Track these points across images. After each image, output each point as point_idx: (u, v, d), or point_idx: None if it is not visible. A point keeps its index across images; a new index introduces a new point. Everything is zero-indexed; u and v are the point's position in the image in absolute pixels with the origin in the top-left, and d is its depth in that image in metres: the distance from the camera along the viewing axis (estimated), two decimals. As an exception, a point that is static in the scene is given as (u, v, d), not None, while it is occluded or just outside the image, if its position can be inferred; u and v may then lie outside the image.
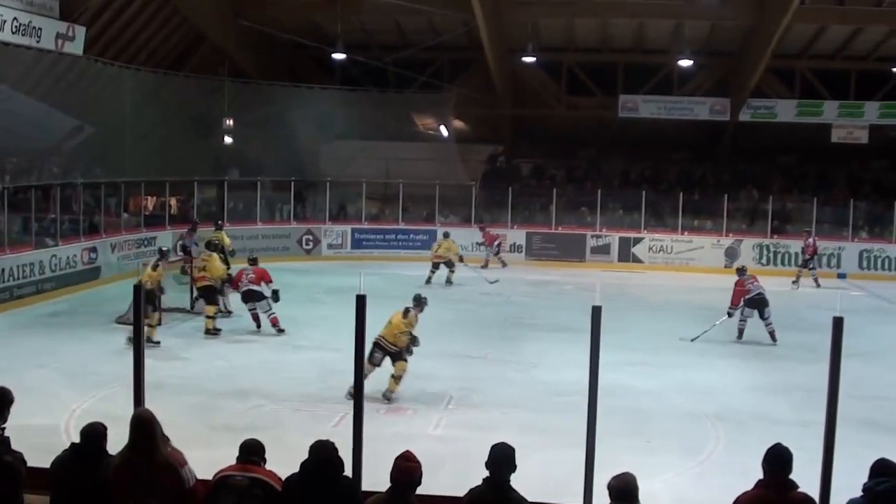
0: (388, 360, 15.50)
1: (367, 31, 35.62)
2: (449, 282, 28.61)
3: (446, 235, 30.30)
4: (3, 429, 6.92)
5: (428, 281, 27.72)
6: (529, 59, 34.93)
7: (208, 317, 20.56)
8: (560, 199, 35.61)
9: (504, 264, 32.69)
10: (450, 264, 29.05)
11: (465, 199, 35.73)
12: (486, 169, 40.68)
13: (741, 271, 21.98)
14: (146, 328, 18.07)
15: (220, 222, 27.80)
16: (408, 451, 6.40)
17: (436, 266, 28.90)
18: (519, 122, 40.43)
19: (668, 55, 35.07)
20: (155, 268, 20.00)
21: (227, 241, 26.28)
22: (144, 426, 6.57)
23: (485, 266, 32.11)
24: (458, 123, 39.40)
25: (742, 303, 21.03)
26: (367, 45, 35.30)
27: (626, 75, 38.15)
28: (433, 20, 34.44)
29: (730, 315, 21.10)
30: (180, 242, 27.80)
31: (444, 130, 38.41)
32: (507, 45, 35.85)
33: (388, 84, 37.35)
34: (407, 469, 6.28)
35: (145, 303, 18.82)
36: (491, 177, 39.83)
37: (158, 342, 18.87)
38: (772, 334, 20.69)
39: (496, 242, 33.29)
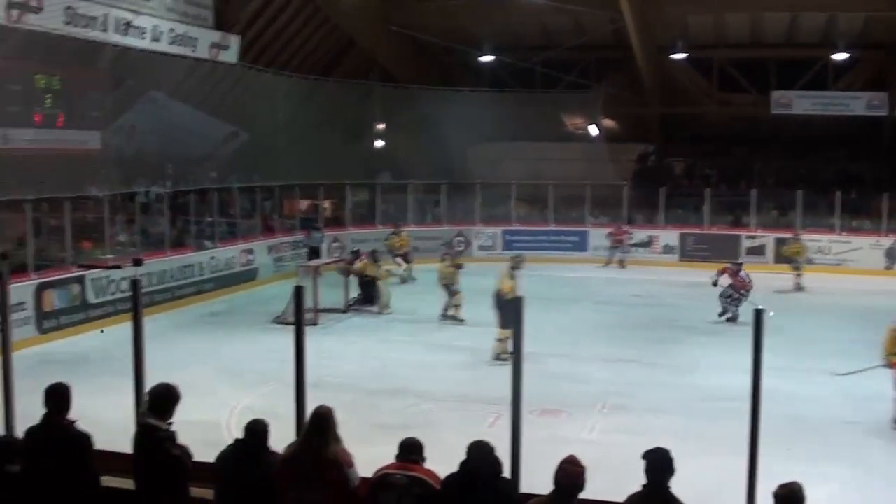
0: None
1: (514, 33, 35.59)
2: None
3: None
4: (171, 424, 7.16)
5: None
6: (679, 57, 34.52)
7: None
8: (713, 198, 35.03)
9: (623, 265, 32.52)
10: None
11: (616, 200, 35.40)
12: (637, 168, 40.30)
13: None
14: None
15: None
16: (572, 456, 6.39)
17: None
18: (669, 121, 39.92)
19: (822, 49, 34.28)
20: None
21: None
22: (321, 422, 6.73)
23: (620, 265, 32.14)
24: (607, 122, 39.09)
25: None
26: (514, 47, 35.28)
27: (778, 71, 37.42)
28: (580, 19, 34.29)
29: None
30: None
31: (593, 130, 38.14)
32: (655, 42, 35.45)
33: (535, 85, 37.29)
34: (573, 473, 6.26)
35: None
36: (642, 176, 39.42)
37: None
38: None
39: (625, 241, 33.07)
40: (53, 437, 7.24)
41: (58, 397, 7.33)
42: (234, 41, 28.07)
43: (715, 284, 22.85)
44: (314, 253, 28.09)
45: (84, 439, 7.28)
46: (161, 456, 7.03)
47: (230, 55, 28.05)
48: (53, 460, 7.18)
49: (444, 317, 22.28)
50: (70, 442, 7.23)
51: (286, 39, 32.12)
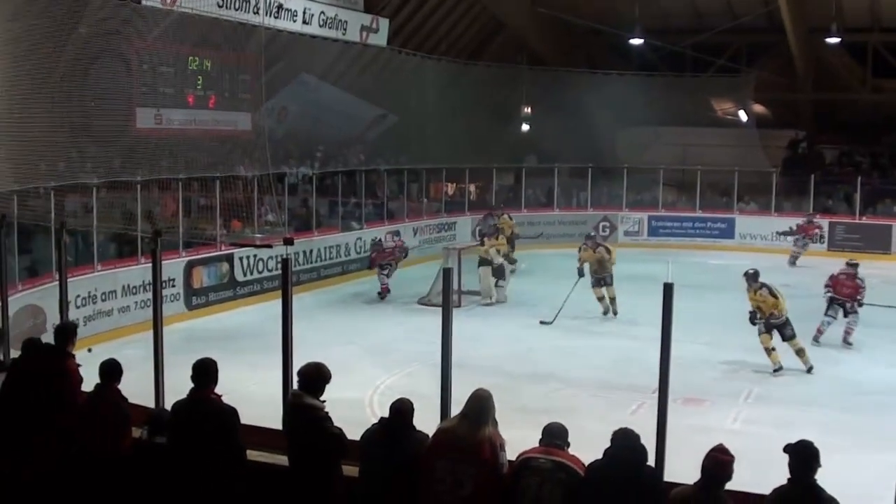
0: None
1: (665, 15, 35.11)
2: None
3: None
4: (324, 402, 7.26)
5: None
6: (833, 41, 33.62)
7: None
8: (864, 187, 34.07)
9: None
10: None
11: (765, 187, 34.69)
12: (787, 155, 39.44)
13: None
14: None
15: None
16: (722, 445, 6.30)
17: None
18: (821, 107, 38.87)
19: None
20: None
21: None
22: (480, 402, 6.76)
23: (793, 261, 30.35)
24: (757, 108, 38.28)
25: None
26: (663, 30, 34.81)
27: (936, 55, 36.17)
28: (731, 2, 33.72)
29: None
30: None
31: (742, 115, 37.44)
32: (809, 25, 34.61)
33: (685, 68, 36.75)
34: (722, 462, 6.18)
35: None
36: (792, 163, 38.55)
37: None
38: None
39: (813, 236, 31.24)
40: (199, 411, 7.43)
41: (204, 372, 7.51)
42: (384, 24, 28.31)
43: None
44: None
45: (230, 414, 7.44)
46: (319, 435, 7.15)
47: (379, 38, 28.31)
48: (199, 433, 7.37)
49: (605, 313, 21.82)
50: (216, 416, 7.40)
51: (435, 23, 32.26)
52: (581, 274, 21.55)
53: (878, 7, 34.09)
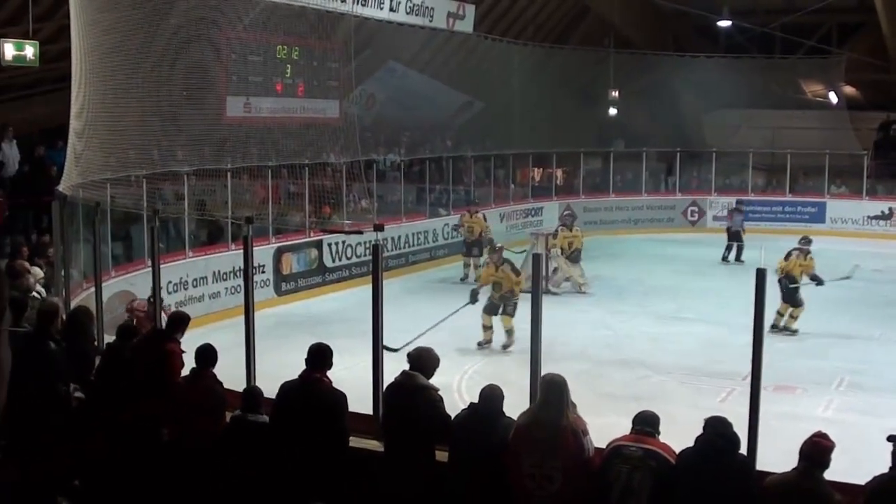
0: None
1: (753, -4, 34.78)
2: None
3: None
4: (438, 389, 7.40)
5: None
6: (925, 20, 33.00)
7: None
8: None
9: None
10: None
11: (856, 170, 34.11)
12: (878, 137, 38.76)
13: None
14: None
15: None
16: (821, 431, 6.29)
17: None
18: (914, 88, 38.23)
19: None
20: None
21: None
22: (556, 388, 6.80)
23: None
24: (848, 90, 37.64)
25: None
26: (751, 11, 34.41)
27: None
28: (822, -20, 33.21)
29: None
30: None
31: (833, 97, 36.82)
32: (902, 5, 34.02)
33: (773, 50, 36.24)
34: (824, 447, 6.16)
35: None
36: (884, 146, 37.89)
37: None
38: None
39: None
40: (311, 393, 7.60)
41: (320, 355, 7.70)
42: (470, 10, 28.30)
43: None
44: (735, 237, 27.03)
45: (339, 397, 7.61)
46: (431, 416, 7.29)
47: (466, 25, 28.31)
48: (309, 415, 7.53)
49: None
50: (327, 399, 7.57)
51: (521, 8, 32.17)
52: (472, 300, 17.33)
53: (973, -17, 33.38)
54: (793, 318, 18.29)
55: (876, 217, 32.23)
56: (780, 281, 17.89)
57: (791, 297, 18.26)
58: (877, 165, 35.18)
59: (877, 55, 35.93)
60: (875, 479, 6.13)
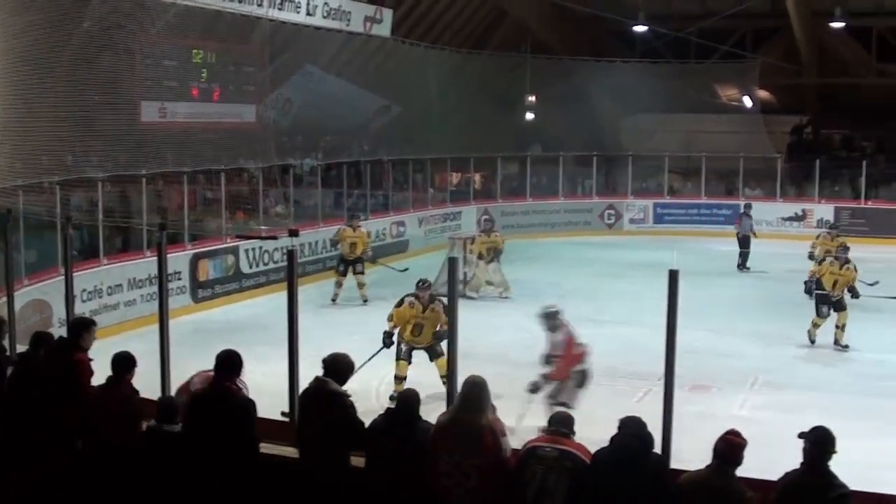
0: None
1: (668, 1, 35.13)
2: None
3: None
4: (349, 395, 7.37)
5: None
6: (837, 25, 33.58)
7: None
8: (870, 171, 34.04)
9: None
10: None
11: (770, 172, 34.67)
12: (792, 140, 39.42)
13: None
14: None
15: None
16: (734, 429, 6.37)
17: None
18: (826, 92, 38.89)
19: None
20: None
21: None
22: (475, 389, 6.81)
23: None
24: (762, 94, 38.25)
25: None
26: (667, 16, 34.80)
27: (941, 39, 36.12)
28: (736, -13, 33.70)
29: None
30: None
31: (747, 101, 37.40)
32: (813, 10, 34.62)
33: (689, 55, 36.65)
34: (736, 445, 6.23)
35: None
36: (797, 148, 38.56)
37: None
38: None
39: None
40: (220, 401, 7.50)
41: (228, 363, 7.62)
42: (388, 15, 28.30)
43: None
44: (745, 243, 26.77)
45: (248, 405, 7.52)
46: (342, 422, 7.22)
47: (383, 28, 28.30)
48: (218, 423, 7.43)
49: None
50: (234, 407, 7.47)
51: (438, 12, 32.22)
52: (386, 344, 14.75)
53: (883, -10, 34.13)
54: (839, 328, 17.28)
55: (790, 218, 32.78)
56: (806, 282, 18.20)
57: (828, 304, 17.50)
58: (790, 168, 35.85)
59: (790, 60, 36.58)
60: (787, 475, 6.21)
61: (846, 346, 17.06)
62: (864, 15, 35.03)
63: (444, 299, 16.32)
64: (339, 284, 21.68)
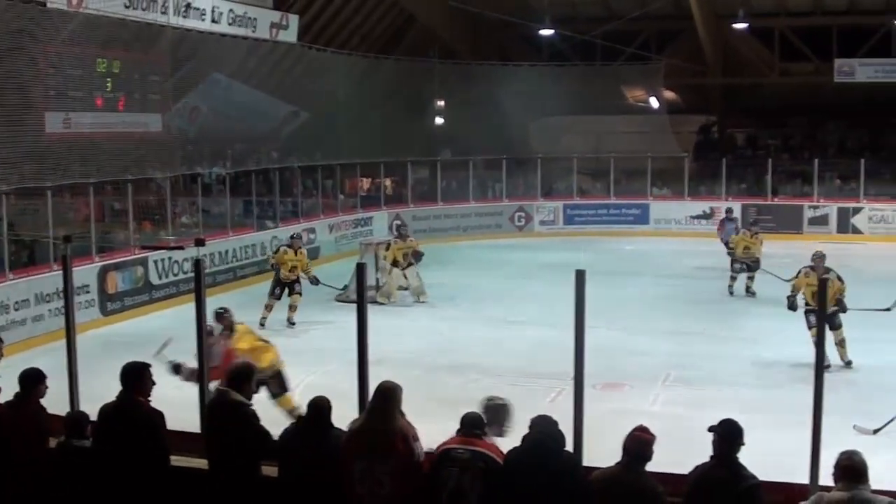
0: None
1: (574, 5, 35.46)
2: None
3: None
4: (251, 405, 7.29)
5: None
6: (740, 26, 34.14)
7: None
8: (775, 169, 34.67)
9: None
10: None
11: (678, 171, 35.15)
12: (698, 140, 40.02)
13: None
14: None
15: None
16: (642, 425, 6.45)
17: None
18: (730, 91, 39.62)
19: (885, 16, 33.70)
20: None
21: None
22: (386, 394, 6.80)
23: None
24: (668, 94, 38.77)
25: None
26: (573, 19, 35.08)
27: (841, 39, 36.85)
28: (640, -11, 34.13)
29: None
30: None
31: (654, 102, 37.84)
32: (716, 12, 35.21)
33: (596, 57, 36.98)
34: (643, 441, 6.32)
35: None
36: (703, 148, 39.19)
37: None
38: None
39: None
40: (126, 414, 7.39)
41: (134, 376, 7.48)
42: (294, 21, 28.16)
43: None
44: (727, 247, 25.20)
45: (156, 417, 7.43)
46: (245, 432, 7.16)
47: (290, 35, 28.16)
48: (126, 436, 7.32)
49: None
50: (142, 419, 7.37)
51: (345, 18, 32.17)
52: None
53: (785, -9, 34.82)
54: (839, 345, 15.79)
55: (698, 217, 33.28)
56: (788, 297, 16.59)
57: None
58: (697, 167, 36.47)
59: (695, 60, 37.12)
60: (697, 468, 6.33)
61: (849, 362, 15.79)
62: (767, 15, 35.73)
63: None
64: (269, 308, 19.85)
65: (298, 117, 30.95)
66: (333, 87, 30.39)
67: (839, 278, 15.70)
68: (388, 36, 35.46)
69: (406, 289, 22.34)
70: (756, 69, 38.24)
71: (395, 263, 22.18)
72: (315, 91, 30.22)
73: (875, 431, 12.33)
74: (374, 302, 21.10)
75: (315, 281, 20.08)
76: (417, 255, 22.40)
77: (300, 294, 20.21)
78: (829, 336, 14.93)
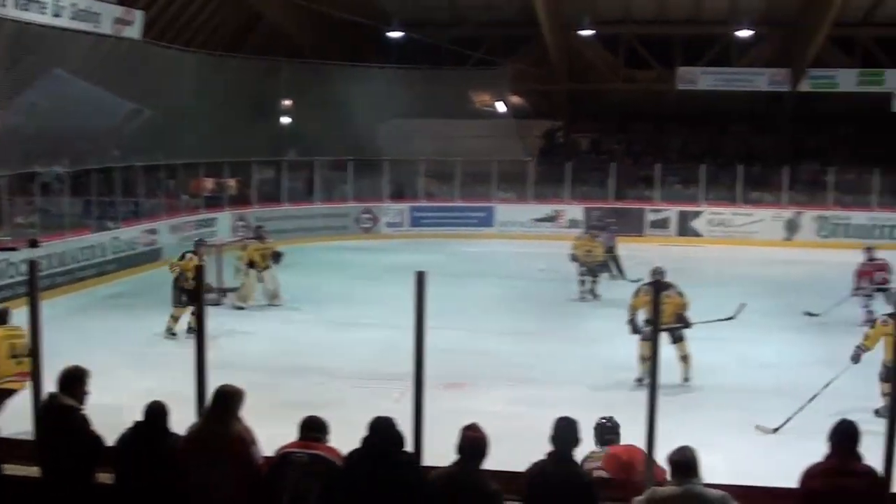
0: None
1: (423, 8, 35.52)
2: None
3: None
4: (82, 405, 7.18)
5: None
6: (586, 33, 34.76)
7: None
8: (618, 173, 35.44)
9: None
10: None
11: (523, 175, 35.64)
12: (544, 144, 40.59)
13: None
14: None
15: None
16: (474, 423, 6.51)
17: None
18: (576, 97, 40.23)
19: (727, 26, 34.71)
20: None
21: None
22: (224, 398, 6.75)
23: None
24: (514, 99, 39.26)
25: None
26: (422, 23, 35.19)
27: (684, 47, 37.95)
28: (488, -5, 34.44)
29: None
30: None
31: (500, 106, 38.28)
32: (563, 19, 35.69)
33: (444, 61, 37.16)
34: (474, 439, 6.38)
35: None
36: (548, 152, 39.78)
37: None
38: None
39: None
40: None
41: None
42: (138, 16, 27.59)
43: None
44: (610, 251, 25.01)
45: None
46: (78, 437, 7.00)
47: (134, 31, 27.57)
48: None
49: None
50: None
51: (191, 14, 31.63)
52: None
53: (629, 1, 35.50)
54: (682, 361, 15.43)
55: (542, 219, 33.74)
56: (628, 322, 15.76)
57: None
58: (542, 170, 36.90)
59: (541, 66, 37.61)
60: (534, 465, 6.47)
61: (687, 380, 15.38)
62: (612, 23, 36.39)
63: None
64: (176, 319, 18.85)
65: (142, 115, 30.34)
66: (178, 85, 29.86)
67: (680, 294, 15.49)
68: (234, 34, 34.98)
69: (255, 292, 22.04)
70: (601, 75, 38.98)
71: (251, 265, 21.89)
72: (159, 89, 29.65)
73: (775, 430, 12.75)
74: (236, 307, 20.98)
75: (210, 290, 19.74)
76: (277, 257, 22.11)
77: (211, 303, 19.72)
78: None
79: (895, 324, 13.25)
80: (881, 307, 17.45)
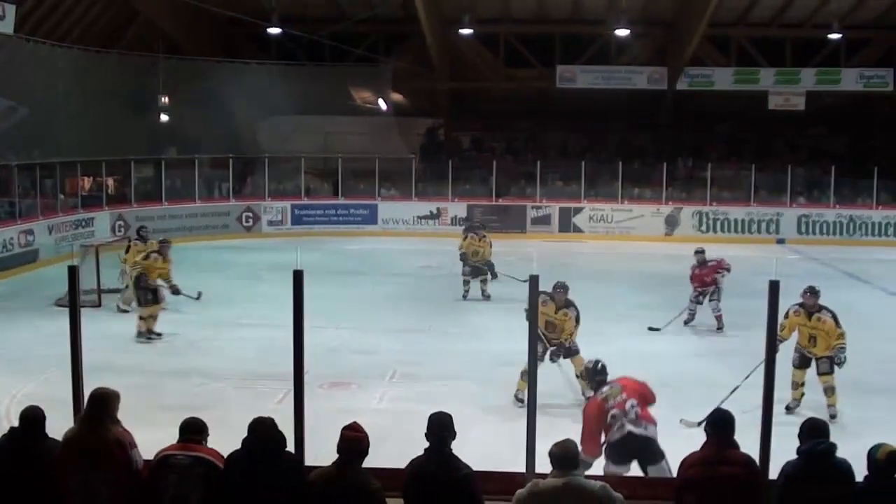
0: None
1: (302, 4, 35.28)
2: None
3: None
4: None
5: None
6: (466, 32, 34.90)
7: None
8: (500, 171, 35.67)
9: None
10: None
11: (405, 173, 35.67)
12: (425, 142, 40.67)
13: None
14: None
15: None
16: (354, 422, 6.48)
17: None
18: (457, 95, 40.40)
19: (605, 25, 35.16)
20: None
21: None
22: (99, 403, 6.64)
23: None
24: (395, 97, 39.25)
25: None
26: (301, 19, 34.96)
27: (563, 46, 38.38)
28: (366, -9, 34.39)
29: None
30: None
31: (381, 104, 38.27)
32: (442, 17, 35.82)
33: (324, 58, 37.02)
34: (353, 438, 6.35)
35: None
36: (430, 150, 39.89)
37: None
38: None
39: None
40: None
41: None
42: (10, 11, 26.89)
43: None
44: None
45: None
46: None
47: (6, 26, 26.86)
48: None
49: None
50: None
51: (66, 9, 30.96)
52: None
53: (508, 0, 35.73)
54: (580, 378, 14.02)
55: (425, 217, 33.79)
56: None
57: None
58: (424, 168, 37.04)
59: (423, 64, 37.62)
60: (413, 461, 6.57)
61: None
62: (492, 22, 36.64)
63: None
64: (144, 319, 18.50)
65: (16, 113, 29.63)
66: (53, 81, 29.20)
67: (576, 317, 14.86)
68: (110, 29, 34.32)
69: None
70: (482, 74, 39.17)
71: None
72: (34, 85, 29.01)
73: (699, 424, 12.79)
74: (120, 310, 20.54)
75: (176, 291, 19.28)
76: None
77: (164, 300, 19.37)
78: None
79: (805, 312, 13.57)
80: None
